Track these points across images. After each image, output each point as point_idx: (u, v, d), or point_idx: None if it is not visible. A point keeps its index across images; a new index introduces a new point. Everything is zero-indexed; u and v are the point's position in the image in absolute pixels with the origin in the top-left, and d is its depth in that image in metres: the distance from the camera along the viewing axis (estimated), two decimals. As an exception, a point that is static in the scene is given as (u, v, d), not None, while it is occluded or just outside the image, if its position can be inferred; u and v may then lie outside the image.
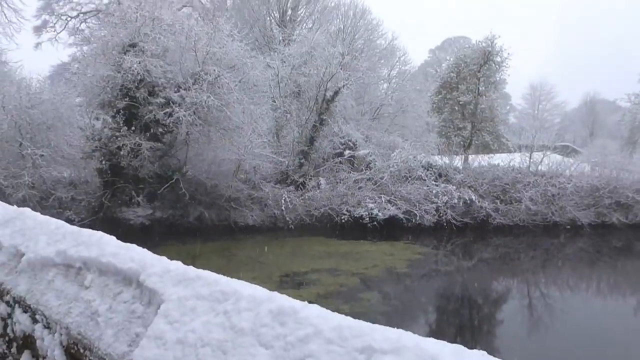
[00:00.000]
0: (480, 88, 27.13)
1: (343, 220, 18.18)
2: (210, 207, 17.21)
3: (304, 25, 34.10)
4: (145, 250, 2.66)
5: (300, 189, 19.31)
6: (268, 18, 33.74)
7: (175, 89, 16.49)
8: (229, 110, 16.66)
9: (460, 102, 26.81)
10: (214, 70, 16.56)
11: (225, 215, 17.44)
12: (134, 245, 2.72)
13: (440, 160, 21.94)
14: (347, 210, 18.35)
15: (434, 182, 19.86)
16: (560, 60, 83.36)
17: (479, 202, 19.42)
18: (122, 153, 15.77)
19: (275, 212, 17.98)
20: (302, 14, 35.07)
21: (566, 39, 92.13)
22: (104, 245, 2.77)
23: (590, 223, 19.71)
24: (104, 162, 16.22)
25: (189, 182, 17.04)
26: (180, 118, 15.78)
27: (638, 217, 20.04)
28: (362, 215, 18.22)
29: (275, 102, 21.28)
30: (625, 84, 47.66)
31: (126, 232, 15.03)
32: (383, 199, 18.77)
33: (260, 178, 19.02)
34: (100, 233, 3.00)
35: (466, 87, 26.90)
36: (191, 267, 2.40)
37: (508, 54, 26.90)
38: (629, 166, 22.41)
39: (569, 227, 19.74)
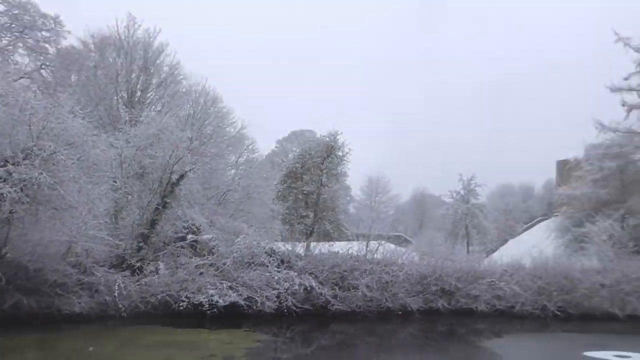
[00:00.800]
0: (323, 179, 28.77)
1: (181, 308, 17.44)
2: (31, 294, 15.52)
3: (153, 107, 33.83)
4: None
5: (137, 274, 18.31)
6: (115, 97, 32.97)
7: (2, 163, 15.17)
8: (63, 188, 15.60)
9: (304, 192, 28.07)
10: (50, 146, 15.58)
11: (49, 302, 15.83)
12: None
13: (283, 247, 22.33)
14: (186, 297, 17.68)
15: (276, 269, 20.02)
16: (395, 156, 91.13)
17: (319, 288, 19.86)
18: None
19: (106, 298, 16.72)
20: (151, 97, 34.84)
21: (401, 137, 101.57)
22: None
23: (419, 309, 21.00)
24: None
25: (8, 265, 15.35)
26: (5, 195, 14.43)
27: (459, 303, 21.75)
28: (201, 302, 17.67)
29: (116, 182, 20.46)
30: (450, 181, 53.39)
31: None
32: (224, 285, 18.45)
33: (92, 262, 17.73)
34: None
35: (310, 178, 28.36)
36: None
37: (349, 149, 29.13)
38: (451, 256, 24.61)
39: (400, 312, 20.85)
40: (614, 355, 14.31)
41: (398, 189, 70.32)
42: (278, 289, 19.18)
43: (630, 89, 29.92)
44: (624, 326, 20.11)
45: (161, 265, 18.75)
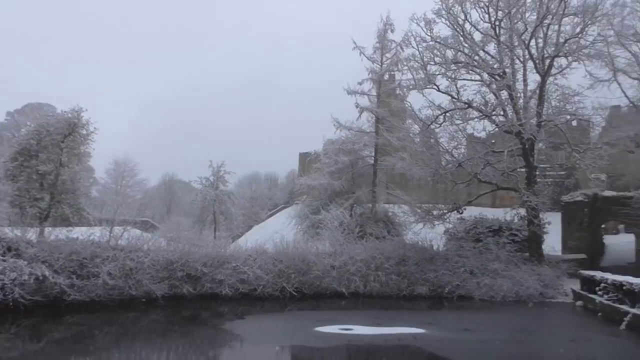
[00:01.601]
0: (63, 159, 26.40)
1: None
2: None
3: None
4: None
5: None
6: None
7: None
8: None
9: (40, 172, 25.46)
10: None
11: None
12: None
13: (11, 232, 19.91)
14: None
15: (1, 257, 17.82)
16: (144, 139, 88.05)
17: (53, 278, 18.26)
18: None
19: None
20: None
21: (151, 119, 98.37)
22: None
23: (164, 295, 20.77)
24: None
25: None
26: None
27: (205, 287, 22.11)
28: None
29: None
30: (201, 169, 53.64)
31: None
32: None
33: None
34: None
35: (47, 157, 25.83)
36: None
37: (95, 127, 27.26)
38: (199, 241, 24.85)
39: (144, 300, 20.37)
40: (339, 329, 16.28)
41: (147, 173, 68.26)
42: (2, 280, 17.15)
43: (363, 93, 34.01)
44: (348, 302, 22.85)
45: None
